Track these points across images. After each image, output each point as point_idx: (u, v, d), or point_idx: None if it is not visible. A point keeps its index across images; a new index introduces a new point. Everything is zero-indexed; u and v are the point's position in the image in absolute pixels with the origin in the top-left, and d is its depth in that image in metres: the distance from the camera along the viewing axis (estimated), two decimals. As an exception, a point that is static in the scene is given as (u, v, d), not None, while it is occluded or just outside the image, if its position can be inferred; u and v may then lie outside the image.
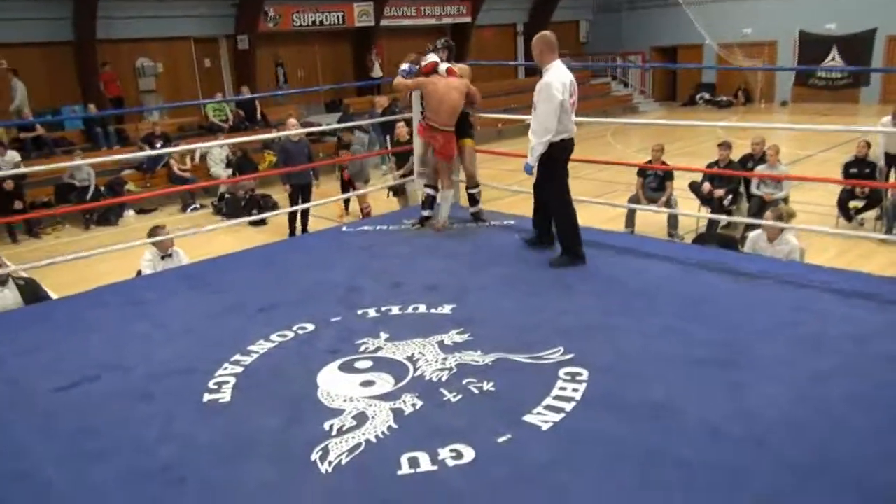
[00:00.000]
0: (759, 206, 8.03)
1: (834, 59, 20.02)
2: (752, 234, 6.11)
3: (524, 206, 8.25)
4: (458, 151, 5.79)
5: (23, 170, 9.70)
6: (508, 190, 7.33)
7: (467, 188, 5.99)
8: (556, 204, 4.85)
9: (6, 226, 10.47)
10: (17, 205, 10.55)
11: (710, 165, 8.49)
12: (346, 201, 10.72)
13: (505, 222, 5.98)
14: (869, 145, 8.79)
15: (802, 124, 16.20)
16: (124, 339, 4.03)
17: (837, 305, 3.97)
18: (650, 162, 8.62)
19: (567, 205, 4.82)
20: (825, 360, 3.33)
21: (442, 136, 5.59)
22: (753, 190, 8.41)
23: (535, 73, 22.08)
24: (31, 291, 5.43)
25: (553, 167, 4.78)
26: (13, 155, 11.41)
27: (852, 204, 8.66)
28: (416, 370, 3.44)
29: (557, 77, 4.58)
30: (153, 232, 6.03)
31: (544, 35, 4.73)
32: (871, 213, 8.65)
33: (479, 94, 5.81)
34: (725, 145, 8.39)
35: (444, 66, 5.60)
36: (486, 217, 6.01)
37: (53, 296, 5.56)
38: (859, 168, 8.65)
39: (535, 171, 4.82)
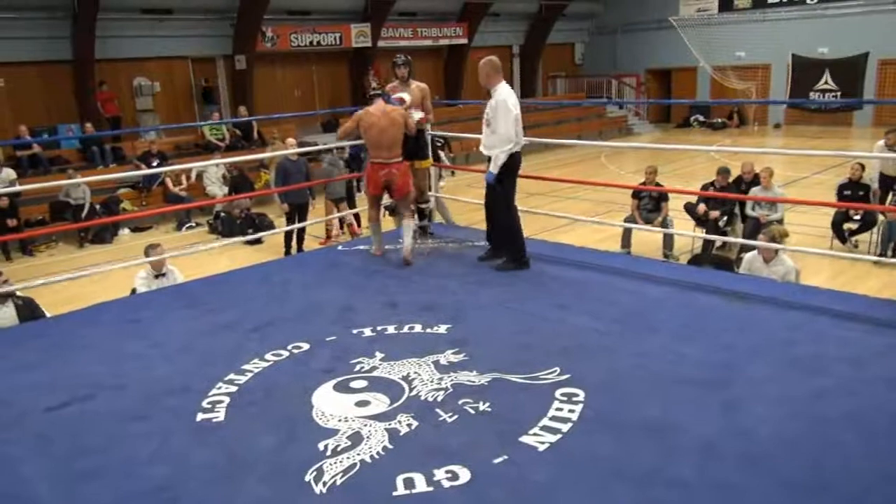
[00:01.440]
0: (754, 228, 8.06)
1: (826, 82, 20.25)
2: (747, 255, 6.13)
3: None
4: (412, 171, 5.82)
5: (18, 188, 9.70)
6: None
7: (416, 202, 6.10)
8: (504, 213, 5.23)
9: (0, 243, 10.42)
10: (12, 222, 10.53)
11: (704, 187, 8.52)
12: (341, 220, 10.74)
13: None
14: (863, 168, 8.85)
15: (796, 148, 16.33)
16: (118, 358, 4.00)
17: (833, 327, 3.98)
18: (644, 184, 8.65)
19: (513, 215, 5.25)
20: (821, 381, 3.34)
21: (396, 169, 5.49)
22: (748, 212, 8.43)
23: (531, 93, 22.05)
24: (28, 311, 5.42)
25: (506, 178, 5.16)
26: (8, 172, 11.41)
27: (846, 226, 8.69)
28: (411, 390, 3.43)
29: (509, 95, 5.06)
30: (148, 250, 6.03)
31: (491, 59, 5.14)
32: (865, 236, 8.69)
33: (423, 117, 5.90)
34: (725, 171, 8.41)
35: (399, 94, 5.73)
36: (434, 231, 6.43)
37: (49, 315, 5.53)
38: (853, 191, 8.69)
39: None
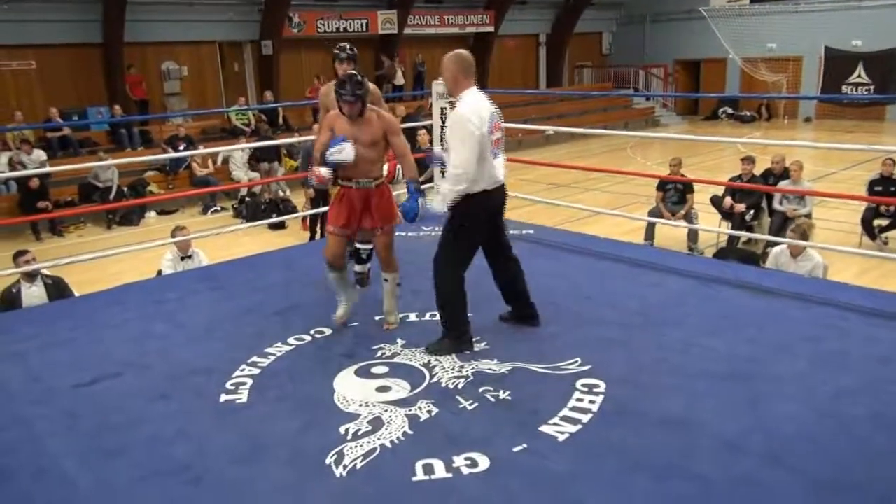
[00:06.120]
0: (782, 222, 7.96)
1: (860, 75, 19.86)
2: (774, 250, 6.06)
3: (543, 216, 8.26)
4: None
5: (48, 169, 9.86)
6: (527, 199, 7.32)
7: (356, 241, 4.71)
8: (445, 274, 3.72)
9: (30, 223, 10.62)
10: (42, 203, 10.71)
11: (732, 180, 8.42)
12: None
13: (523, 231, 5.96)
14: (895, 163, 8.68)
15: (826, 142, 16.05)
16: (144, 338, 4.06)
17: (860, 324, 3.92)
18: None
19: (458, 279, 3.73)
20: (847, 378, 3.30)
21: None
22: (776, 205, 8.32)
23: (557, 83, 21.87)
24: (57, 290, 5.51)
25: (460, 225, 3.66)
26: (39, 154, 11.59)
27: (877, 222, 8.54)
28: (432, 377, 3.45)
29: (472, 108, 3.52)
30: (175, 233, 6.11)
31: (458, 55, 3.65)
32: (895, 233, 8.54)
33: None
34: (749, 160, 8.31)
35: None
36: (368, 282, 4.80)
37: (77, 295, 5.62)
38: (885, 186, 8.54)
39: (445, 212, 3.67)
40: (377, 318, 4.20)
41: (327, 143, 3.88)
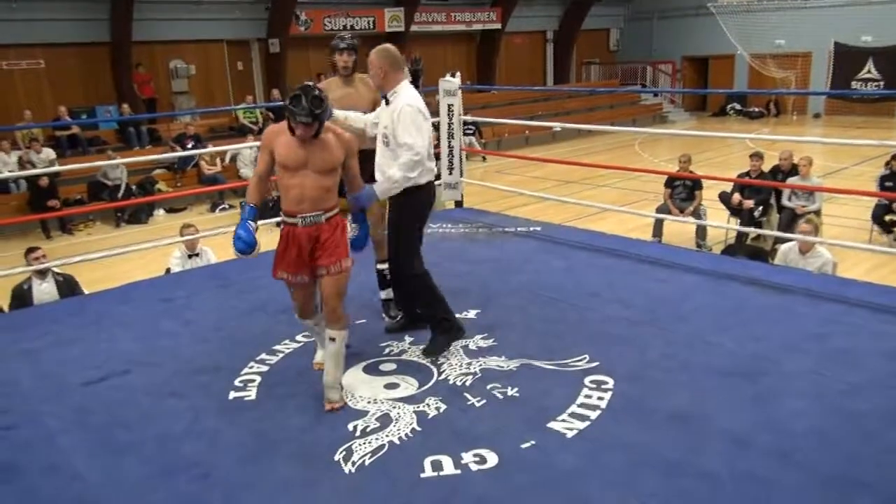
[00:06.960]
0: (791, 219, 7.92)
1: (869, 71, 19.73)
2: (783, 247, 6.03)
3: (551, 213, 8.25)
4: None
5: (57, 167, 9.92)
6: (535, 196, 7.35)
7: (377, 262, 4.23)
8: (408, 263, 3.69)
9: (40, 222, 10.68)
10: (52, 202, 10.77)
11: (740, 176, 8.39)
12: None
13: (531, 228, 5.96)
14: (904, 158, 8.62)
15: (836, 138, 15.96)
16: (153, 335, 4.08)
17: (870, 320, 3.90)
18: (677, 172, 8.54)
19: (421, 265, 3.71)
20: (856, 375, 3.28)
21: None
22: (785, 202, 8.29)
23: (564, 79, 21.76)
24: (68, 288, 5.55)
25: (410, 218, 3.68)
26: (48, 153, 11.67)
27: (888, 218, 8.49)
28: (440, 374, 3.45)
29: (417, 99, 3.57)
30: (183, 231, 6.14)
31: (386, 49, 3.60)
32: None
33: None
34: (757, 156, 8.27)
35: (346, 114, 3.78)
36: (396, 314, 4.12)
37: (87, 293, 5.65)
38: (895, 182, 8.49)
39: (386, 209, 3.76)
40: (383, 316, 4.20)
41: (265, 174, 3.38)
